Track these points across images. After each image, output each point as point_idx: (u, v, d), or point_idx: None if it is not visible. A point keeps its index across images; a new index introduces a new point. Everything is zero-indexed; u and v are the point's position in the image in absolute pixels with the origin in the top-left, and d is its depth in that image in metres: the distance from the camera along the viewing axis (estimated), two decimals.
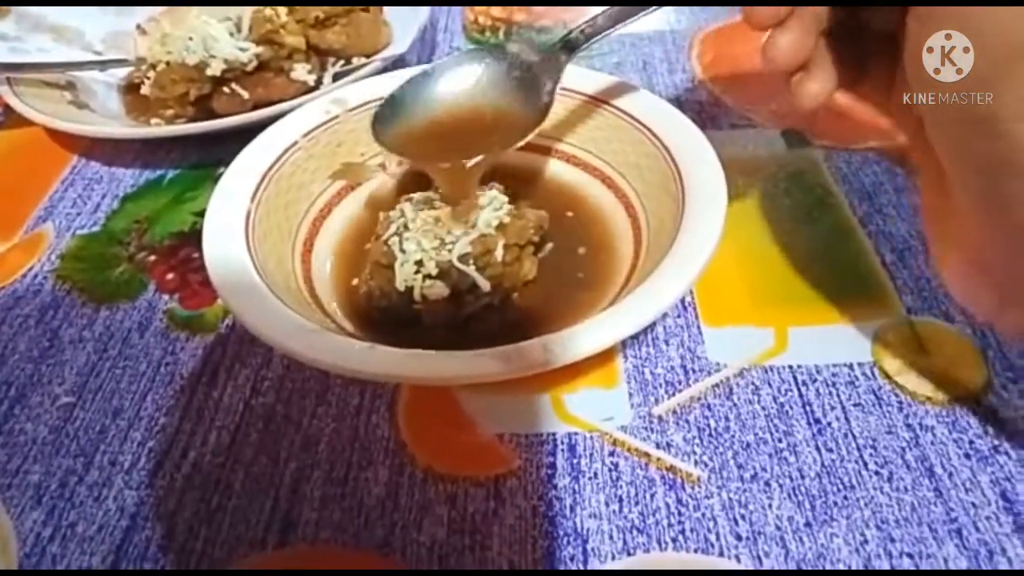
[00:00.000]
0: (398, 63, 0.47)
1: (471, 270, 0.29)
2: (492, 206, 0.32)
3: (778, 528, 0.26)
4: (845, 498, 0.27)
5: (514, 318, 0.31)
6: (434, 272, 0.30)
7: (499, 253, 0.30)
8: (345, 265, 0.34)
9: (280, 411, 0.31)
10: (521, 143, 0.31)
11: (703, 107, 0.47)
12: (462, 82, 0.33)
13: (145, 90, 0.47)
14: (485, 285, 0.29)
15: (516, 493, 0.27)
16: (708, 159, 0.31)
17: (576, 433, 0.29)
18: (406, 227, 0.31)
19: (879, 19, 0.26)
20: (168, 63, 0.45)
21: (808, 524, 0.26)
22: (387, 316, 0.31)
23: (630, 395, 0.30)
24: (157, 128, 0.45)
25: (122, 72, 0.51)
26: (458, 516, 0.27)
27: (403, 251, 0.30)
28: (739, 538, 0.26)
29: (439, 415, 0.30)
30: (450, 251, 0.30)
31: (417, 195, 0.33)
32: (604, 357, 0.31)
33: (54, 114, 0.45)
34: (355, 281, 0.33)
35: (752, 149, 0.42)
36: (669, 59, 0.52)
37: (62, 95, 0.48)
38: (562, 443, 0.29)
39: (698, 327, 0.33)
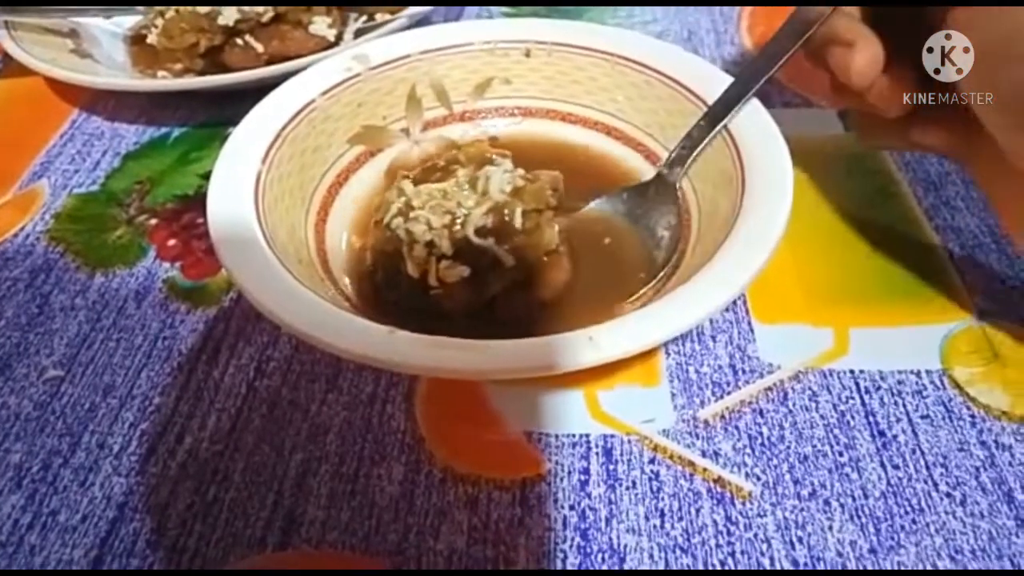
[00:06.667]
0: (424, 20, 0.44)
1: (490, 243, 0.26)
2: (502, 168, 0.29)
3: (840, 554, 0.23)
4: (913, 522, 0.24)
5: (542, 297, 0.28)
6: (449, 252, 0.27)
7: (518, 220, 0.27)
8: (362, 238, 0.31)
9: (286, 396, 0.28)
10: None
11: None
12: None
13: (151, 39, 0.44)
14: (508, 259, 0.26)
15: (545, 500, 0.25)
16: (773, 137, 0.28)
17: (612, 435, 0.26)
18: (409, 206, 0.28)
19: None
20: (177, 10, 0.42)
21: (873, 550, 0.23)
22: (401, 307, 0.28)
23: (673, 395, 0.28)
24: (164, 81, 0.43)
25: (129, 21, 0.48)
26: (480, 523, 0.24)
27: (410, 233, 0.27)
28: (796, 564, 0.23)
29: (461, 408, 0.28)
30: (463, 225, 0.27)
31: (413, 172, 0.30)
32: (644, 351, 0.28)
33: (54, 63, 0.42)
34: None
35: (807, 130, 0.39)
36: (716, 30, 0.48)
37: (64, 43, 0.45)
38: (596, 446, 0.26)
39: (748, 323, 0.30)
